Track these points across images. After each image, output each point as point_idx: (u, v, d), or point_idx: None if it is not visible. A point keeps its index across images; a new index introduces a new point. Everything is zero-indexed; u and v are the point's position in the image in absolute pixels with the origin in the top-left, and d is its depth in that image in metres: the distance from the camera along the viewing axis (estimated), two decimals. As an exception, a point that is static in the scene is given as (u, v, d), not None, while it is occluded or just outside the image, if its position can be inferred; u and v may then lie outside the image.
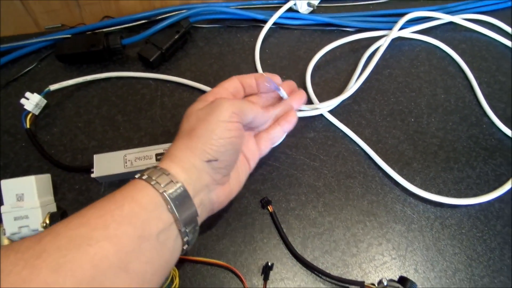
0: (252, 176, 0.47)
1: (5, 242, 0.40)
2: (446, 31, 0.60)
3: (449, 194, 0.46)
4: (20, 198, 0.40)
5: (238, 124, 0.36)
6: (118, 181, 0.46)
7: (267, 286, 0.41)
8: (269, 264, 0.41)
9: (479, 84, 0.55)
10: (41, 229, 0.40)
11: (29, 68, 0.54)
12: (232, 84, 0.41)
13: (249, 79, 0.41)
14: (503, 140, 0.51)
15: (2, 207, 0.40)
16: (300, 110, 0.51)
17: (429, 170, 0.49)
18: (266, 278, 0.41)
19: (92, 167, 0.45)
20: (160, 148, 0.46)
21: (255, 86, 0.42)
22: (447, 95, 0.54)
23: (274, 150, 0.49)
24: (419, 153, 0.50)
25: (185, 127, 0.36)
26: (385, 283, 0.39)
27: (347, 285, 0.41)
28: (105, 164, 0.45)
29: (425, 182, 0.48)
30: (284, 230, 0.44)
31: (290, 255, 0.43)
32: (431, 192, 0.46)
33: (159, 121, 0.50)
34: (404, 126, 0.51)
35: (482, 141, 0.51)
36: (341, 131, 0.51)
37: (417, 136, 0.51)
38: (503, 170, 0.49)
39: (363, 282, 0.40)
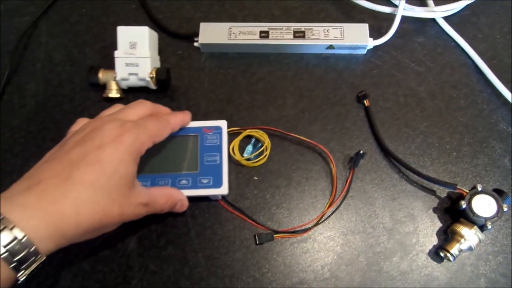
0: (351, 71, 0.46)
1: (113, 86, 0.43)
2: None
3: None
4: (133, 46, 0.42)
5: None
6: (219, 53, 0.47)
7: (353, 175, 0.41)
8: (361, 152, 0.41)
9: None
10: (148, 79, 0.42)
11: None
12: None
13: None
14: None
15: (116, 51, 0.42)
16: (412, 11, 0.47)
17: (545, 95, 0.45)
18: (355, 165, 0.41)
19: (196, 36, 0.46)
20: (265, 26, 0.46)
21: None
22: None
23: (378, 49, 0.47)
24: (538, 77, 0.45)
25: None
26: (480, 189, 0.37)
27: (438, 186, 0.40)
28: (210, 33, 0.46)
29: (538, 107, 0.44)
30: (377, 127, 0.43)
31: (380, 150, 0.42)
32: (544, 116, 0.43)
33: (264, 4, 0.50)
34: (525, 47, 0.47)
35: None
36: (453, 40, 0.47)
37: (538, 59, 0.46)
38: None
39: (456, 184, 0.39)
